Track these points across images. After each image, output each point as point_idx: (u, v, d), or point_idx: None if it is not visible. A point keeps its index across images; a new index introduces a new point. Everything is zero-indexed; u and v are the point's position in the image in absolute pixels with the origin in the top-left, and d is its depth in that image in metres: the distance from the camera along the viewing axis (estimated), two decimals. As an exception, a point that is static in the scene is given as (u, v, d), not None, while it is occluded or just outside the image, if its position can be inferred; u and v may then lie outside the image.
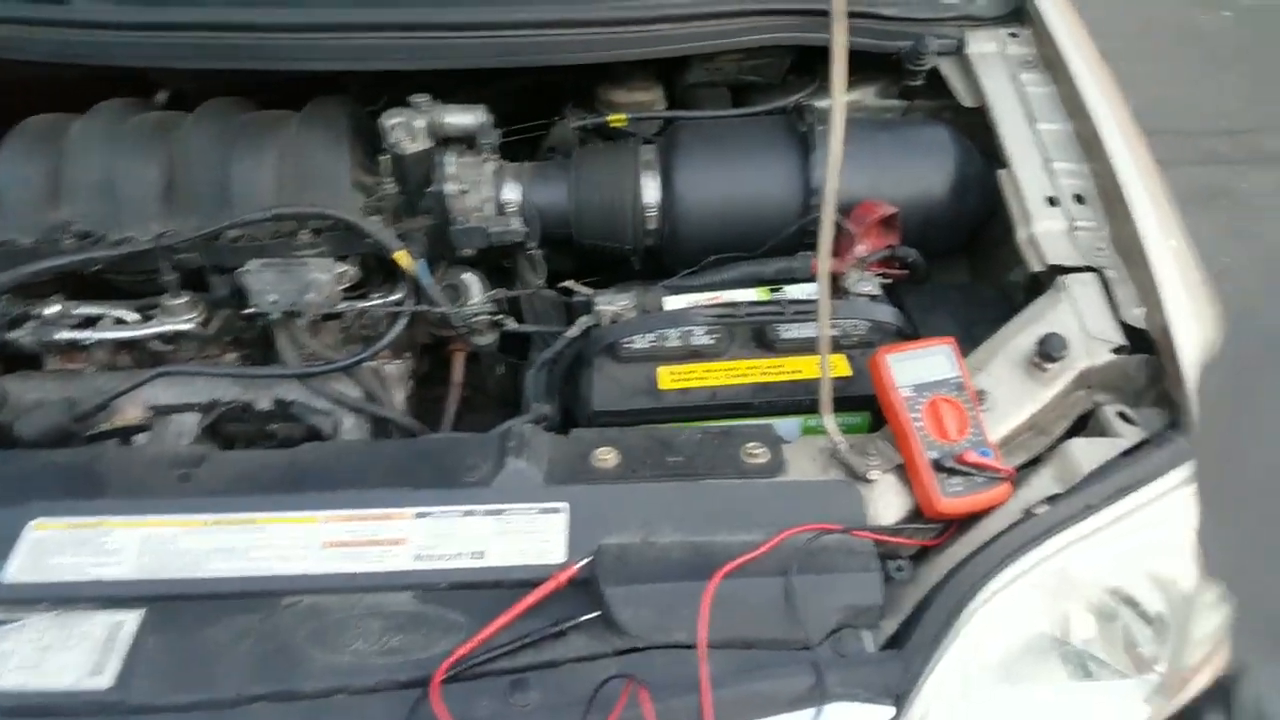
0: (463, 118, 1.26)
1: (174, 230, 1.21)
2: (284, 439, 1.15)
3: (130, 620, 0.88)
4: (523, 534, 0.94)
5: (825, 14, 0.93)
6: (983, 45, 1.40)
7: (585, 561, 0.92)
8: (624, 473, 0.99)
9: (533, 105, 1.50)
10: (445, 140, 1.28)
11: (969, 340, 1.13)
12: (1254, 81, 3.81)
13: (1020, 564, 0.94)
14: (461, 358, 1.36)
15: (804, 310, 1.18)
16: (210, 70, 1.29)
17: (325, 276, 1.17)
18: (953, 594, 0.93)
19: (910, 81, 1.41)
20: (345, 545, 0.94)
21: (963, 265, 1.46)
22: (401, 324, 1.22)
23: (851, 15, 1.31)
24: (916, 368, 1.01)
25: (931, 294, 1.32)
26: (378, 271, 1.29)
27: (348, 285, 1.23)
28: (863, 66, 1.45)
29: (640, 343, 1.18)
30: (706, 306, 1.22)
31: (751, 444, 1.02)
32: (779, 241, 1.31)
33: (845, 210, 1.28)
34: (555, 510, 0.96)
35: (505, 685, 0.86)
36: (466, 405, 1.43)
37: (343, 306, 1.22)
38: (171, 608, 0.90)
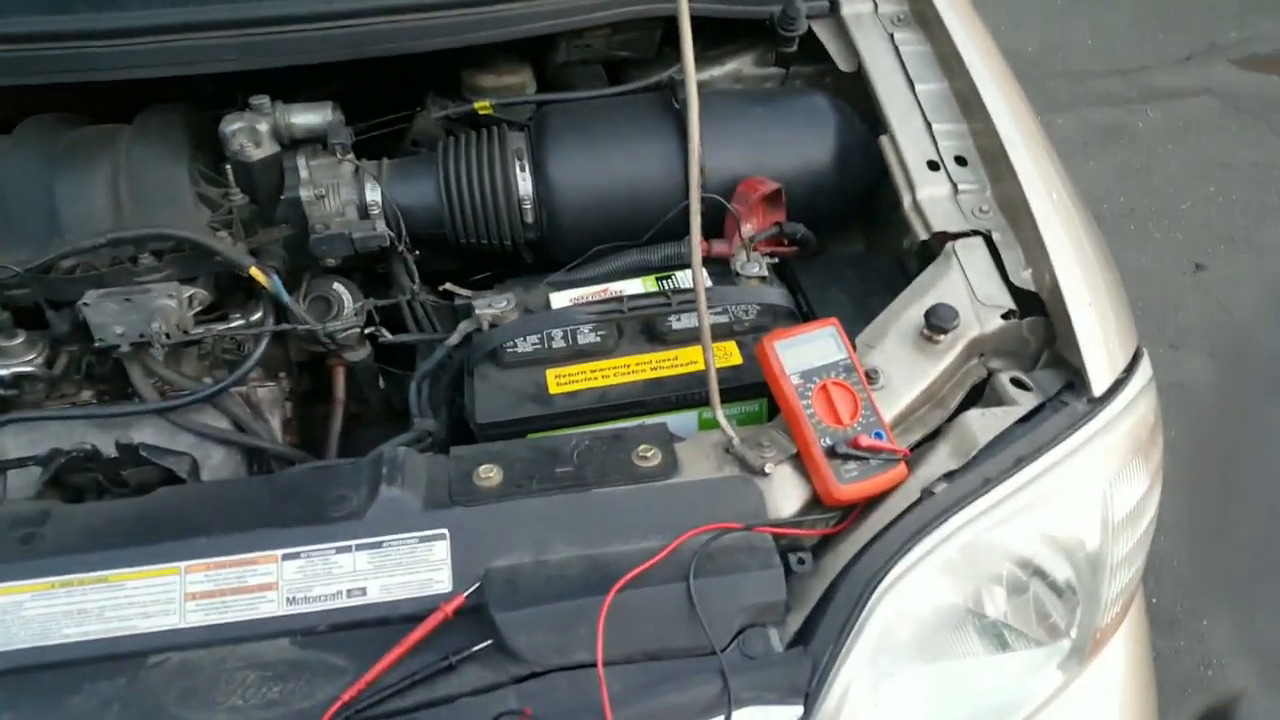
0: (309, 117, 1.18)
1: None
2: (139, 486, 1.06)
3: (-22, 699, 0.82)
4: (403, 566, 0.90)
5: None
6: (856, 4, 1.36)
7: (473, 588, 0.88)
8: (509, 490, 0.94)
9: (395, 96, 1.41)
10: (294, 143, 1.20)
11: (865, 313, 1.11)
12: (1139, 19, 3.88)
13: (923, 545, 0.93)
14: (342, 373, 1.28)
15: (691, 299, 1.13)
16: (26, 87, 1.17)
17: (172, 302, 1.09)
18: (856, 582, 0.91)
19: (784, 48, 1.36)
20: (210, 595, 0.89)
21: (858, 235, 1.43)
22: (263, 346, 1.14)
23: (714, -20, 1.26)
24: (804, 352, 0.98)
25: (825, 268, 1.28)
26: (236, 290, 1.20)
27: (200, 309, 1.14)
28: (737, 34, 1.40)
29: (524, 346, 1.12)
30: (592, 302, 1.17)
31: (643, 446, 0.98)
32: (665, 225, 1.26)
33: (727, 190, 1.23)
34: (436, 537, 0.91)
35: (398, 727, 0.82)
36: (358, 421, 1.36)
37: (197, 332, 1.13)
38: (25, 680, 0.85)
